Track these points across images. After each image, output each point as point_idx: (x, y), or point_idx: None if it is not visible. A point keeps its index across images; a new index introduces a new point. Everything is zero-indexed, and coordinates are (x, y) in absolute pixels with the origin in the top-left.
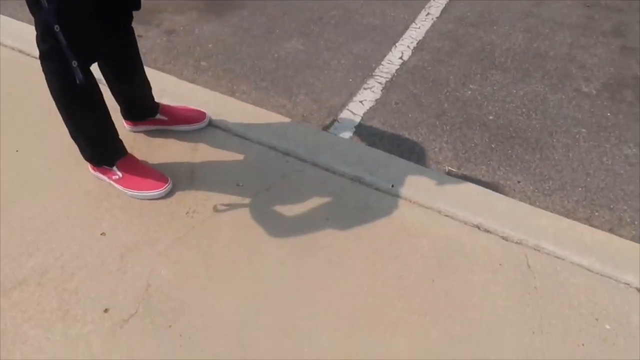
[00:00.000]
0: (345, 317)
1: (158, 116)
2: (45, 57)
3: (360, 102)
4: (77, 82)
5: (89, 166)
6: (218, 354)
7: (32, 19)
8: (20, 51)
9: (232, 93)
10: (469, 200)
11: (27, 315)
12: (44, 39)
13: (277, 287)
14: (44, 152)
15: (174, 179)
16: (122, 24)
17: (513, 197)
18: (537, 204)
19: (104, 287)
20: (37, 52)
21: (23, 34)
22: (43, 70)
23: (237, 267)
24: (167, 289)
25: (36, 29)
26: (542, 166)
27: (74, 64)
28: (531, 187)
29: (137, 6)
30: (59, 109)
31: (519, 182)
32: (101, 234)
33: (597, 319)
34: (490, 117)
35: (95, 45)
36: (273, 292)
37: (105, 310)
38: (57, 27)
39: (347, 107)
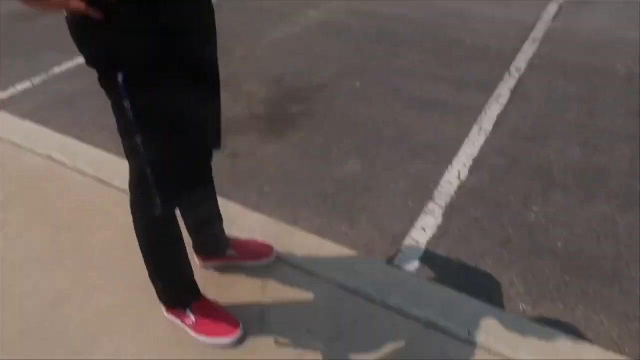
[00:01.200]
0: None
1: (229, 252)
2: (136, 202)
3: (423, 229)
4: (156, 213)
5: (163, 308)
6: None
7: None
8: (99, 180)
9: (295, 220)
10: (554, 350)
11: None
12: (137, 185)
13: None
14: (118, 290)
15: (244, 320)
16: (205, 163)
17: (599, 343)
18: (627, 350)
19: None
20: (116, 182)
21: (104, 163)
22: (132, 212)
23: None
24: None
25: (130, 175)
26: (625, 302)
27: (158, 201)
28: (616, 329)
29: (219, 146)
30: (141, 248)
31: (602, 322)
32: None
33: None
34: (559, 244)
35: (183, 189)
36: None
37: None
38: (150, 173)
39: (410, 235)
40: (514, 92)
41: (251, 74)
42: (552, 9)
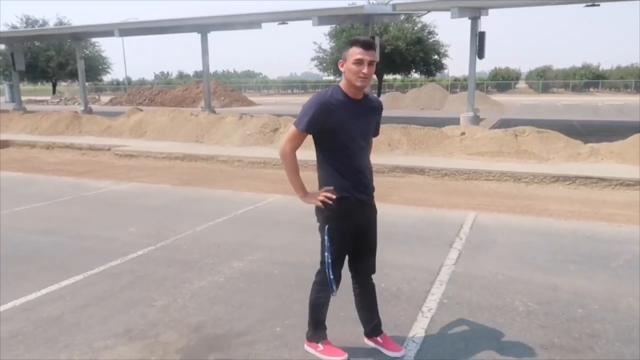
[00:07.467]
0: None
1: (378, 338)
2: (317, 280)
3: None
4: (332, 294)
5: (305, 343)
6: None
7: None
8: None
9: None
10: None
11: None
12: (319, 272)
13: None
14: None
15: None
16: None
17: None
18: None
19: None
20: None
21: None
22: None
23: None
24: None
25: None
26: None
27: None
28: None
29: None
30: (311, 304)
31: None
32: None
33: None
34: None
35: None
36: None
37: None
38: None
39: None
40: (427, 331)
41: (171, 323)
42: (453, 254)
